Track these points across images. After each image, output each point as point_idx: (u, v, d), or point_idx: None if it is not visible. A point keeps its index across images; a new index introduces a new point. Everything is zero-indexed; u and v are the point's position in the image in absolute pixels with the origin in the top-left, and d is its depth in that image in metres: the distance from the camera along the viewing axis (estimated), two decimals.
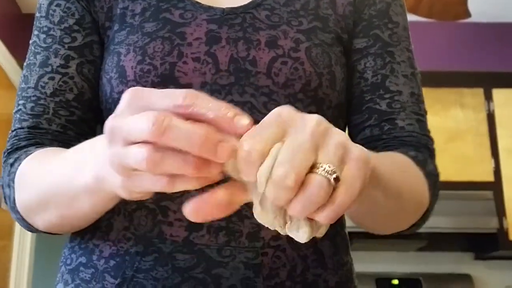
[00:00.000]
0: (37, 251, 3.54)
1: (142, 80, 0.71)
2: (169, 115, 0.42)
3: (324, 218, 0.44)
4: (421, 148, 0.77)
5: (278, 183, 0.42)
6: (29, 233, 3.39)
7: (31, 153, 0.71)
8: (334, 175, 0.43)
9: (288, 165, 0.41)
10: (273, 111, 0.45)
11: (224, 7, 0.77)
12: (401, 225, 0.75)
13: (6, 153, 0.75)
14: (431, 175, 0.75)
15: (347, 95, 0.81)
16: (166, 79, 0.71)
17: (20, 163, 0.70)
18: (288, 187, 0.42)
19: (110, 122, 0.45)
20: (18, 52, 3.28)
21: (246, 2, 0.78)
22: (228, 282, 0.67)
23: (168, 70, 0.72)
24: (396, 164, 0.69)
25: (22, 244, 3.39)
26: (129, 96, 0.46)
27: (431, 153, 0.78)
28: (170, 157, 0.43)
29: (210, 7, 0.77)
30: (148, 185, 0.46)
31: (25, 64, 0.80)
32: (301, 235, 0.46)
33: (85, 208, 0.63)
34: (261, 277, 0.68)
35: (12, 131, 0.76)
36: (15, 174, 0.70)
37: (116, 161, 0.46)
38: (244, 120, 0.43)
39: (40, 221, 0.69)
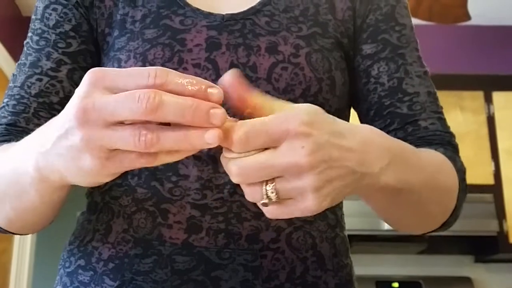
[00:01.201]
0: (37, 254, 3.53)
1: None
2: (157, 91, 0.44)
3: (267, 214, 0.50)
4: (446, 145, 0.77)
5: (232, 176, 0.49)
6: (29, 236, 3.39)
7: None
8: (267, 200, 0.49)
9: (244, 171, 0.48)
10: (286, 116, 0.48)
11: (224, 13, 0.77)
12: (431, 226, 0.75)
13: None
14: (461, 171, 0.75)
15: (364, 102, 0.81)
16: None
17: None
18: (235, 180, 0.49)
19: (80, 103, 0.46)
20: (18, 54, 3.27)
21: (245, 9, 0.78)
22: (228, 284, 0.67)
23: None
24: (431, 167, 0.69)
25: (22, 247, 3.39)
26: (91, 77, 0.46)
27: (455, 149, 0.78)
28: (165, 135, 0.45)
29: (210, 14, 0.77)
30: (129, 163, 0.47)
31: (17, 64, 0.80)
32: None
33: (33, 199, 0.62)
34: (260, 279, 0.68)
35: None
36: None
37: (94, 144, 0.46)
38: (215, 90, 0.46)
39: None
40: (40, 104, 0.76)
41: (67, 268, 0.74)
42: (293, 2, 0.79)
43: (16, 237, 3.35)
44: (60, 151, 0.50)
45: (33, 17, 0.81)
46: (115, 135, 0.45)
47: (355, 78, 0.81)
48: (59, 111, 0.75)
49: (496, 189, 3.21)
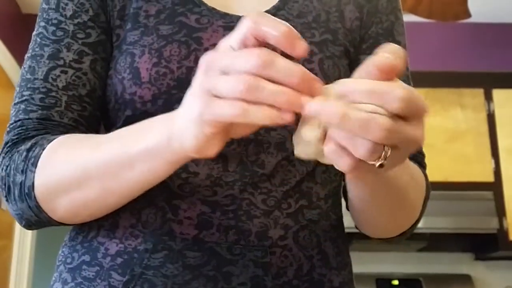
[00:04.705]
0: (37, 251, 3.54)
1: (157, 83, 0.71)
2: (273, 52, 0.48)
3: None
4: (419, 167, 0.80)
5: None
6: (30, 232, 3.39)
7: (56, 137, 0.69)
8: (380, 161, 0.49)
9: (392, 133, 0.48)
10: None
11: (240, 15, 0.76)
12: (395, 230, 0.79)
13: (9, 143, 0.73)
14: (428, 189, 0.80)
15: None
16: (182, 83, 0.71)
17: (44, 147, 0.69)
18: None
19: (207, 57, 0.51)
20: (18, 52, 3.28)
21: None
22: (239, 279, 0.68)
23: (185, 74, 0.71)
24: (414, 175, 0.74)
25: (22, 243, 3.39)
26: (205, 61, 0.51)
27: (425, 169, 0.82)
28: (266, 86, 0.47)
29: (226, 14, 0.76)
30: (226, 111, 0.49)
31: (28, 55, 0.77)
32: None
33: (136, 177, 0.64)
34: (270, 276, 0.69)
35: (16, 121, 0.74)
36: (36, 159, 0.68)
37: (206, 86, 0.50)
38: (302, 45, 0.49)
39: (66, 202, 0.68)
40: (70, 97, 0.74)
41: (69, 264, 0.73)
42: (306, 8, 0.80)
43: (17, 234, 3.35)
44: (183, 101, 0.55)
45: (45, 6, 0.79)
46: (224, 78, 0.49)
47: None
48: (88, 104, 0.76)
49: (496, 186, 3.21)
